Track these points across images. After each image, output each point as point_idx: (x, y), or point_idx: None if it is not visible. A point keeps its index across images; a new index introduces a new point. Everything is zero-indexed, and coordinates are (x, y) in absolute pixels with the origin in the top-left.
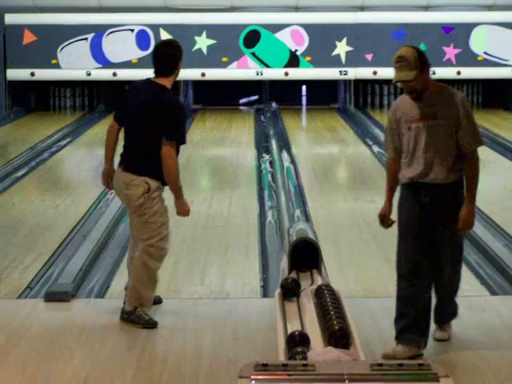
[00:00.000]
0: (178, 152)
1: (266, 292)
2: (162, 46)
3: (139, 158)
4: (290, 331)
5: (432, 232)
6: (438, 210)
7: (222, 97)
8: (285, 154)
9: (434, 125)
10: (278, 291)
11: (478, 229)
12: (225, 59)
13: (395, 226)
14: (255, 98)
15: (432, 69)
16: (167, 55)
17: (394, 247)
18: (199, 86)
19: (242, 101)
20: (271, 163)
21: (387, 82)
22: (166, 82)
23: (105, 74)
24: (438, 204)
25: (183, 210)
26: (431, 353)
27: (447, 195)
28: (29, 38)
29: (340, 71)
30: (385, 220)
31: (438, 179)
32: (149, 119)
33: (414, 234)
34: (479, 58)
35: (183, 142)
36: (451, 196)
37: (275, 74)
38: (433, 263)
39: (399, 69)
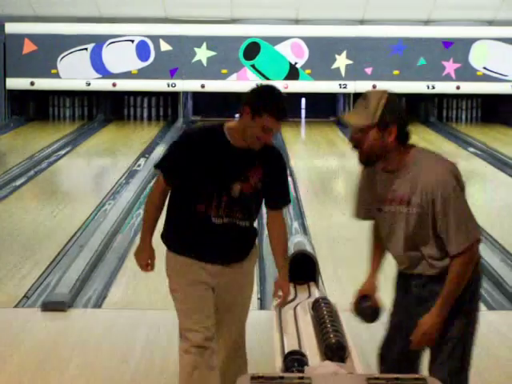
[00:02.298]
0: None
1: (263, 304)
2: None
3: None
4: (286, 344)
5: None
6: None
7: (221, 108)
8: None
9: (408, 213)
10: (275, 303)
11: None
12: (224, 71)
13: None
14: None
15: (431, 83)
16: None
17: (391, 260)
18: (199, 97)
19: (237, 115)
20: None
21: None
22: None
23: (104, 85)
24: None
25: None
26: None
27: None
28: (29, 47)
29: (339, 84)
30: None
31: (425, 273)
32: None
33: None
34: (479, 73)
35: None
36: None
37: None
38: None
39: (354, 108)
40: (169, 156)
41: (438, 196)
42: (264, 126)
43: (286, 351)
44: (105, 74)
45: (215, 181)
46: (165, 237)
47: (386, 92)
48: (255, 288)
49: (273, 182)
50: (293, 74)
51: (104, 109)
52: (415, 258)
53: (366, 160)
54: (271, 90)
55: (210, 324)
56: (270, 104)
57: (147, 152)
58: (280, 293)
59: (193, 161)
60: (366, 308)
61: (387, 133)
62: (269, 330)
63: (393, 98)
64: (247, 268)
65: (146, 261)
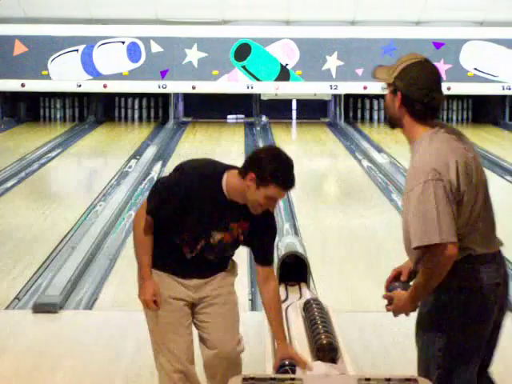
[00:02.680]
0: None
1: (254, 305)
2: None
3: None
4: (277, 347)
5: None
6: None
7: (212, 110)
8: None
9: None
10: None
11: None
12: (215, 72)
13: (383, 243)
14: (242, 116)
15: None
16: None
17: (383, 262)
18: (189, 98)
19: (230, 117)
20: None
21: (377, 96)
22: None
23: (95, 86)
24: None
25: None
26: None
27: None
28: (19, 48)
29: (330, 85)
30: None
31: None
32: None
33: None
34: (469, 74)
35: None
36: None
37: (266, 87)
38: None
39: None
40: (159, 200)
41: (408, 183)
42: (269, 196)
43: (278, 353)
44: (95, 75)
45: (196, 225)
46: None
47: (416, 57)
48: (246, 289)
49: (260, 238)
50: (284, 75)
51: (95, 110)
52: (413, 254)
53: (387, 120)
54: (279, 155)
55: (184, 348)
56: (278, 173)
57: (138, 153)
58: (299, 369)
59: (181, 204)
60: (398, 286)
61: (396, 98)
62: (260, 331)
63: (417, 66)
64: (227, 279)
65: (153, 297)
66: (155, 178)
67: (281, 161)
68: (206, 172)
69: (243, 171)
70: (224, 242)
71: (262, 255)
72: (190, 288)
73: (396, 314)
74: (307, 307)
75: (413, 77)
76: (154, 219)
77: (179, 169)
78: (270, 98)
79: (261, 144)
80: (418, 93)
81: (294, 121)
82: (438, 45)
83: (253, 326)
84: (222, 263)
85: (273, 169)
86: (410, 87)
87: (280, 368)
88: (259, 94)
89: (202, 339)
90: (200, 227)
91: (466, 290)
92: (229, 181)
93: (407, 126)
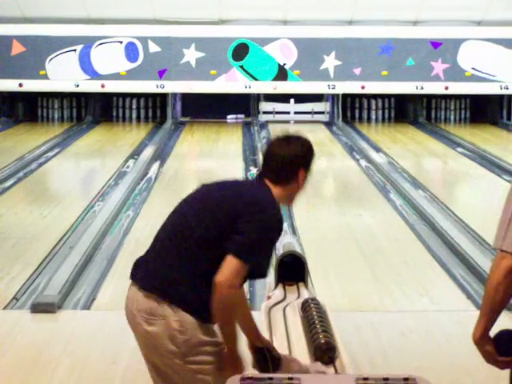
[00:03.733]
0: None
1: (252, 305)
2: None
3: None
4: (275, 346)
5: None
6: None
7: (210, 109)
8: None
9: None
10: (264, 304)
11: (465, 244)
12: (213, 72)
13: (381, 242)
14: (242, 116)
15: (420, 84)
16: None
17: (381, 261)
18: (187, 98)
19: (229, 117)
20: None
21: (375, 96)
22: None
23: (93, 86)
24: None
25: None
26: (417, 367)
27: None
28: (17, 48)
29: (328, 85)
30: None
31: None
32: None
33: None
34: (467, 74)
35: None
36: None
37: (263, 87)
38: None
39: None
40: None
41: None
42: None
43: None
44: (93, 75)
45: None
46: (201, 306)
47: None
48: (244, 289)
49: None
50: (281, 74)
51: (93, 110)
52: None
53: None
54: (300, 138)
55: None
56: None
57: (136, 153)
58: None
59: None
60: None
61: None
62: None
63: None
64: None
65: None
66: (153, 178)
67: (308, 142)
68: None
69: (285, 178)
70: None
71: None
72: None
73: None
74: (305, 307)
75: None
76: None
77: (266, 207)
78: (268, 119)
79: (259, 144)
80: None
81: (292, 120)
82: (435, 44)
83: None
84: None
85: (313, 153)
86: None
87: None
88: (257, 94)
89: None
90: None
91: None
92: (278, 198)
93: None
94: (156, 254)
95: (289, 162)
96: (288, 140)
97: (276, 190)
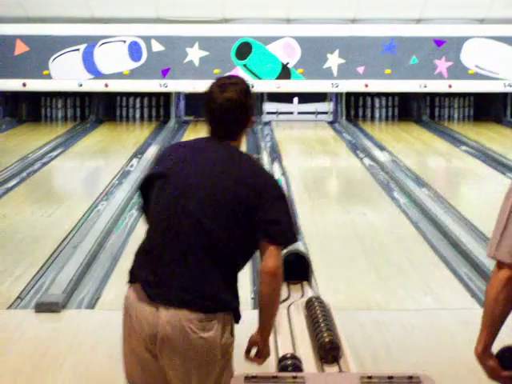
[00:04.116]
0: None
1: (256, 304)
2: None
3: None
4: (280, 345)
5: None
6: None
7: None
8: (276, 167)
9: None
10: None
11: (469, 243)
12: (217, 71)
13: (385, 241)
14: None
15: (423, 82)
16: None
17: (384, 259)
18: (191, 97)
19: None
20: None
21: (379, 94)
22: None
23: (96, 85)
24: None
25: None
26: (421, 365)
27: None
28: (21, 48)
29: (332, 83)
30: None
31: None
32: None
33: None
34: (471, 72)
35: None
36: None
37: (267, 86)
38: None
39: None
40: None
41: None
42: None
43: (280, 352)
44: (97, 74)
45: None
46: (238, 305)
47: None
48: (248, 287)
49: None
50: (285, 73)
51: (96, 110)
52: None
53: None
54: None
55: None
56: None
57: (140, 152)
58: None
59: None
60: None
61: None
62: None
63: None
64: None
65: None
66: None
67: (246, 84)
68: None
69: (240, 131)
70: None
71: None
72: None
73: None
74: (309, 305)
75: None
76: None
77: (268, 180)
78: (272, 119)
79: (262, 143)
80: None
81: (296, 119)
82: (439, 42)
83: (255, 324)
84: None
85: (251, 93)
86: None
87: (281, 362)
88: (261, 94)
89: None
90: None
91: None
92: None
93: None
94: (171, 264)
95: (241, 118)
96: (228, 89)
97: (237, 144)
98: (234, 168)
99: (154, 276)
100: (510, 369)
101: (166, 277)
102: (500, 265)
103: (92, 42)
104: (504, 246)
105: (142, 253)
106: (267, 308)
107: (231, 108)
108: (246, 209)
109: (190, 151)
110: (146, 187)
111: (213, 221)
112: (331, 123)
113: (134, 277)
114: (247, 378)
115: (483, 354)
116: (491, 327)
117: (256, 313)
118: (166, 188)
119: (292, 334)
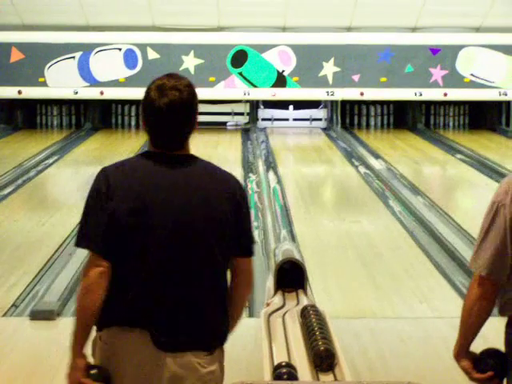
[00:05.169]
0: None
1: (251, 311)
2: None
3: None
4: (275, 353)
5: None
6: None
7: (209, 116)
8: (271, 174)
9: None
10: (263, 311)
11: (464, 251)
12: (212, 79)
13: (380, 249)
14: (242, 123)
15: (419, 90)
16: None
17: (380, 267)
18: None
19: (229, 123)
20: (258, 183)
21: (374, 102)
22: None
23: (92, 93)
24: None
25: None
26: (417, 374)
27: None
28: (16, 55)
29: (327, 92)
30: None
31: None
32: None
33: None
34: (466, 80)
35: None
36: None
37: (262, 93)
38: None
39: None
40: None
41: None
42: None
43: (275, 360)
44: (92, 82)
45: None
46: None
47: None
48: None
49: None
50: (280, 81)
51: (92, 117)
52: None
53: None
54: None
55: None
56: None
57: None
58: None
59: None
60: None
61: None
62: (257, 337)
63: None
64: None
65: None
66: None
67: (189, 84)
68: None
69: (188, 137)
70: None
71: None
72: None
73: None
74: (304, 314)
75: None
76: None
77: (236, 189)
78: (267, 126)
79: (258, 150)
80: None
81: (291, 127)
82: (434, 51)
83: (250, 331)
84: None
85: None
86: None
87: (276, 370)
88: (256, 101)
89: None
90: None
91: None
92: None
93: None
94: (174, 300)
95: (188, 120)
96: (169, 90)
97: (186, 153)
98: (208, 184)
99: (158, 322)
100: (484, 369)
101: (172, 323)
102: (476, 277)
103: (87, 49)
104: (480, 258)
105: (125, 294)
106: (242, 308)
107: (177, 110)
108: (230, 224)
109: (148, 175)
110: (114, 229)
111: (214, 248)
112: (325, 130)
113: (116, 319)
114: None
115: (458, 356)
116: (465, 335)
117: (251, 321)
118: (147, 228)
119: (287, 342)
